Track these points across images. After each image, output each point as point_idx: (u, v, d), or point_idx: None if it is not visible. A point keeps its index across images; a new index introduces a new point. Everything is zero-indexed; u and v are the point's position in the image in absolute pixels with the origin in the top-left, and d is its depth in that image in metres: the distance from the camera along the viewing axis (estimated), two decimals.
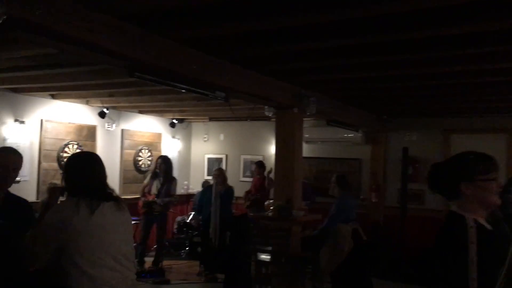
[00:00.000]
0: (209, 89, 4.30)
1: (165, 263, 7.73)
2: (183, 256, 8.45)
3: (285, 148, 5.50)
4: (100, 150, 8.12)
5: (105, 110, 7.72)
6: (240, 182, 8.72)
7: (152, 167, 7.71)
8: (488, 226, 2.02)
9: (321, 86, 5.67)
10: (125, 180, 8.58)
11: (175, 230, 9.19)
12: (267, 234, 5.17)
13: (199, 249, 7.88)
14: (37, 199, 6.65)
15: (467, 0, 2.85)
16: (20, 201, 2.88)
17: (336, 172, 7.33)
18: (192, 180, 10.13)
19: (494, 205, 2.05)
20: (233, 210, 7.70)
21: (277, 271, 5.27)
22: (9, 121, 6.75)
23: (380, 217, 8.29)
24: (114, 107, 8.18)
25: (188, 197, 9.87)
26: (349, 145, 8.64)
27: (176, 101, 7.27)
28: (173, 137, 9.74)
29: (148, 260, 7.53)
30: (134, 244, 7.78)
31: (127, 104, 7.88)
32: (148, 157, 9.00)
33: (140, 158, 8.87)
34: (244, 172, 9.58)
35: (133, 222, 8.09)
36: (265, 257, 5.17)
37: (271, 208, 5.44)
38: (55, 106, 7.39)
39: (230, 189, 7.30)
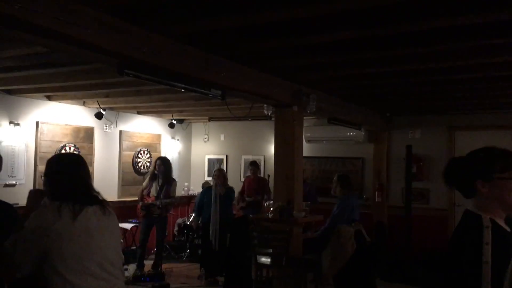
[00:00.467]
0: (205, 87, 4.15)
1: (166, 266, 7.60)
2: (184, 259, 8.32)
3: (285, 147, 5.34)
4: (98, 152, 8.00)
5: (102, 111, 7.58)
6: (241, 183, 8.56)
7: (151, 168, 7.57)
8: (507, 228, 1.87)
9: (321, 84, 5.52)
10: (124, 182, 8.45)
11: (175, 233, 9.06)
12: (268, 236, 5.01)
13: (199, 251, 7.73)
14: None
15: None
16: (2, 205, 2.73)
17: (339, 172, 7.20)
18: (193, 181, 10.00)
19: None
20: (234, 211, 7.56)
21: (277, 274, 5.12)
22: (4, 124, 6.63)
23: (384, 217, 8.12)
24: (111, 108, 8.06)
25: (189, 198, 9.74)
26: (352, 143, 8.48)
27: (174, 101, 7.14)
28: (173, 138, 9.61)
29: (148, 263, 7.41)
30: (133, 248, 7.75)
31: (124, 105, 7.74)
32: (147, 158, 8.87)
33: (139, 160, 8.74)
34: (245, 172, 9.42)
35: (132, 225, 8.01)
36: (265, 259, 5.01)
37: (272, 209, 5.29)
38: (51, 108, 7.27)
39: (230, 190, 7.15)
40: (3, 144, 6.58)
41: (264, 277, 5.17)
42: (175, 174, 9.34)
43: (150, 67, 3.50)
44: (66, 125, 7.45)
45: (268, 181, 7.94)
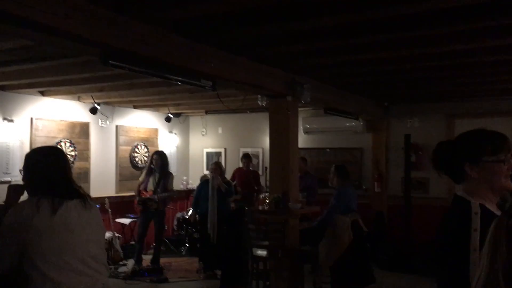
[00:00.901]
0: (194, 78, 4.06)
1: (165, 260, 7.56)
2: (184, 253, 8.27)
3: (280, 138, 5.27)
4: (95, 147, 7.95)
5: (96, 106, 7.51)
6: None
7: (148, 163, 7.52)
8: (498, 212, 1.79)
9: (315, 72, 5.43)
10: (122, 177, 8.40)
11: (175, 227, 9.02)
12: (264, 228, 4.95)
13: (198, 245, 7.68)
14: None
15: None
16: None
17: (337, 162, 7.11)
18: (192, 175, 9.93)
19: (504, 189, 1.83)
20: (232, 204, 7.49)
21: (274, 266, 5.06)
22: None
23: (384, 207, 8.05)
24: (107, 103, 7.99)
25: (188, 192, 9.68)
26: (350, 134, 8.39)
27: (169, 94, 7.06)
28: (170, 132, 9.54)
29: (148, 258, 7.37)
30: (132, 243, 7.70)
31: (120, 99, 7.66)
32: (144, 153, 8.80)
33: (136, 154, 8.68)
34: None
35: (130, 220, 7.95)
36: (261, 252, 4.95)
37: (267, 201, 5.22)
38: (45, 103, 7.21)
39: (228, 183, 7.09)
40: None
41: (261, 269, 5.10)
42: (173, 169, 9.28)
43: (136, 57, 3.42)
44: (61, 120, 7.38)
45: (266, 173, 7.87)
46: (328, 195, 6.26)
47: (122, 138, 8.45)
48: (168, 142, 9.43)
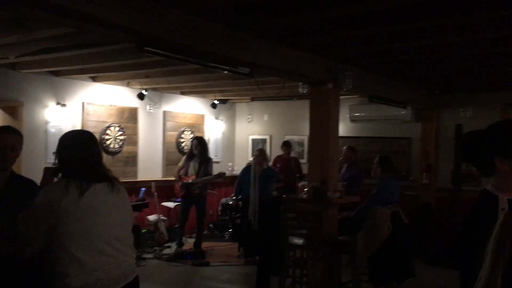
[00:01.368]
0: (231, 64, 4.06)
1: (208, 244, 7.71)
2: (226, 238, 8.40)
3: (320, 127, 5.19)
4: (142, 132, 8.17)
5: (143, 91, 7.71)
6: None
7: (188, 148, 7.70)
8: None
9: (358, 60, 5.28)
10: (168, 162, 8.60)
11: (219, 212, 9.16)
12: (301, 217, 4.92)
13: (239, 231, 7.77)
14: None
15: None
16: (26, 182, 2.80)
17: (384, 152, 6.93)
18: (237, 161, 10.01)
19: None
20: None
21: (311, 255, 5.03)
22: (51, 104, 6.88)
23: (432, 200, 7.78)
24: (155, 89, 8.17)
25: (233, 178, 9.77)
26: (398, 123, 8.14)
27: (213, 81, 7.11)
28: (217, 118, 9.64)
29: (191, 242, 7.55)
30: (176, 226, 7.88)
31: (167, 85, 7.81)
32: (190, 138, 8.95)
33: (182, 140, 8.85)
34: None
35: (176, 204, 8.12)
36: (297, 240, 4.93)
37: (305, 189, 5.17)
38: (96, 89, 7.47)
39: (269, 170, 7.10)
40: (51, 124, 6.84)
41: (298, 258, 5.09)
42: (219, 155, 9.43)
43: (171, 44, 3.46)
44: (110, 105, 7.63)
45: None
46: (371, 186, 6.13)
47: (169, 124, 8.63)
48: (214, 128, 9.54)
